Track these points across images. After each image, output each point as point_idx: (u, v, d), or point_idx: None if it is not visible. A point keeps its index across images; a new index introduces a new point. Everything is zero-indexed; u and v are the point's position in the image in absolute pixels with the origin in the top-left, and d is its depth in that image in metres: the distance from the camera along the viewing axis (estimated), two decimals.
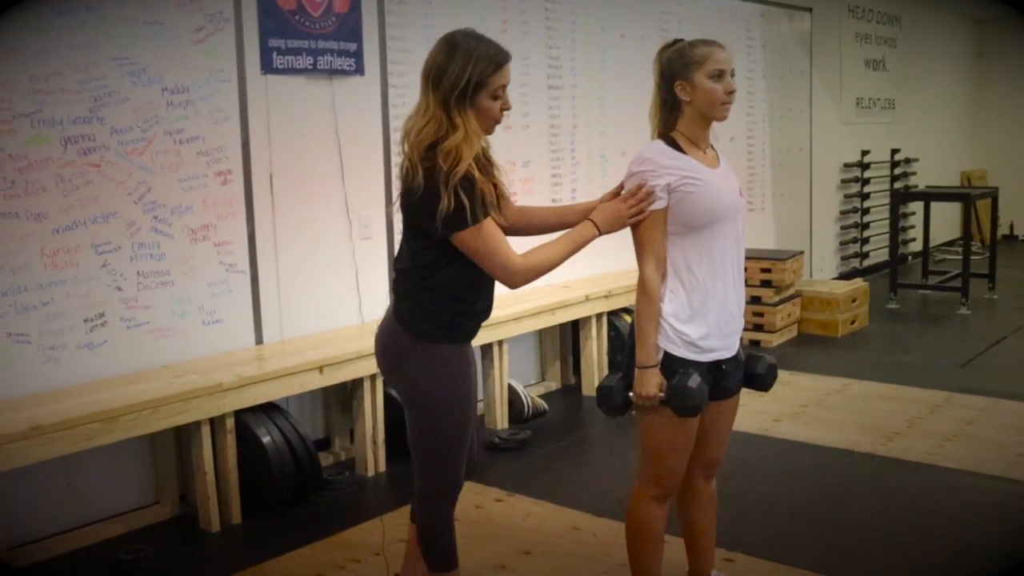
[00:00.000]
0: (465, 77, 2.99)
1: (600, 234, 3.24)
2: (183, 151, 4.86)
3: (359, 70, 5.60)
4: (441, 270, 3.09)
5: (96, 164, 4.54)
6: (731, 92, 3.23)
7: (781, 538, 4.38)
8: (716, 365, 3.32)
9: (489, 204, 3.04)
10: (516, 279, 3.12)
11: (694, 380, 3.17)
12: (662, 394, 3.21)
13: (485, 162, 3.13)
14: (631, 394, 3.29)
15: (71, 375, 4.52)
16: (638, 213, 3.20)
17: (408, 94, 5.88)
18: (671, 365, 3.22)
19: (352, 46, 5.55)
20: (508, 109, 3.11)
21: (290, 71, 5.26)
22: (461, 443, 3.26)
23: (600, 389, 3.43)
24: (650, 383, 3.20)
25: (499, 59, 3.04)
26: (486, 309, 3.28)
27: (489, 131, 3.13)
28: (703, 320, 3.25)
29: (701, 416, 3.31)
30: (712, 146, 3.37)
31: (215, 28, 4.95)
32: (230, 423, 4.64)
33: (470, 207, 2.96)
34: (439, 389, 3.17)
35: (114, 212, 4.61)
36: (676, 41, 3.29)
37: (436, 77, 3.03)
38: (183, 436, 4.73)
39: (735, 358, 3.40)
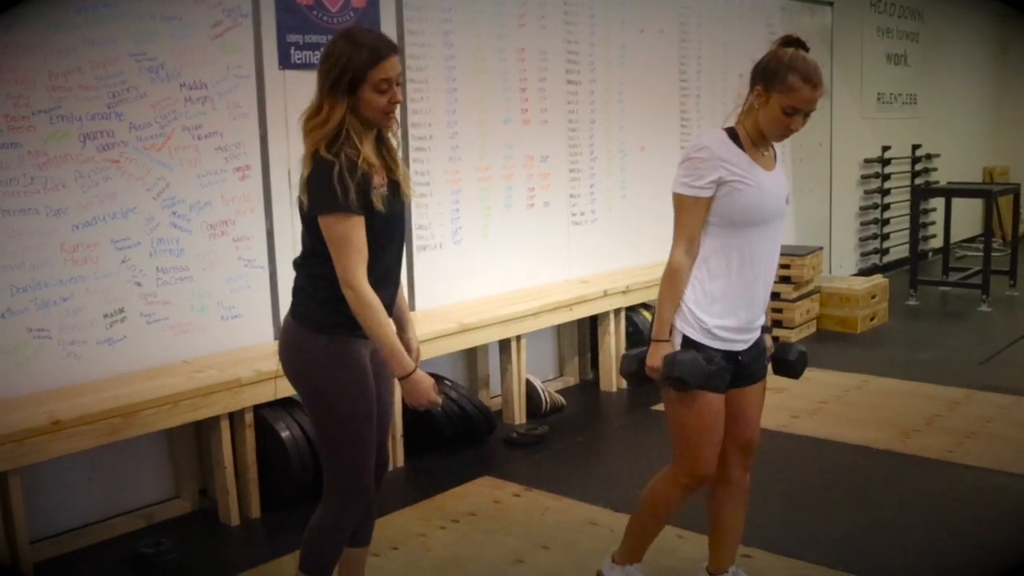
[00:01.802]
0: (340, 71, 2.99)
1: (400, 376, 3.09)
2: (201, 147, 4.88)
3: None
4: (328, 259, 3.05)
5: (115, 160, 4.56)
6: (795, 130, 3.26)
7: (799, 535, 4.37)
8: (732, 355, 3.37)
9: (350, 197, 2.96)
10: (347, 291, 3.00)
11: (684, 354, 3.25)
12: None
13: (378, 157, 3.09)
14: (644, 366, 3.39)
15: (91, 370, 4.54)
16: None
17: (426, 89, 5.90)
18: (686, 347, 3.30)
19: None
20: (396, 103, 3.07)
21: (308, 66, 5.27)
22: (366, 435, 3.18)
23: (622, 357, 3.59)
24: (657, 355, 3.31)
25: (377, 52, 3.02)
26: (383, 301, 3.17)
27: (380, 124, 3.10)
28: (722, 312, 3.31)
29: (730, 401, 3.40)
30: (772, 146, 3.39)
31: (233, 23, 4.96)
32: (249, 418, 4.66)
33: (335, 192, 2.93)
34: (336, 379, 3.13)
35: (133, 208, 4.63)
36: (796, 43, 3.25)
37: (321, 71, 3.04)
38: (202, 431, 4.75)
39: (754, 346, 3.44)
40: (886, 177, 11.20)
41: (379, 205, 3.02)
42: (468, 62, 6.15)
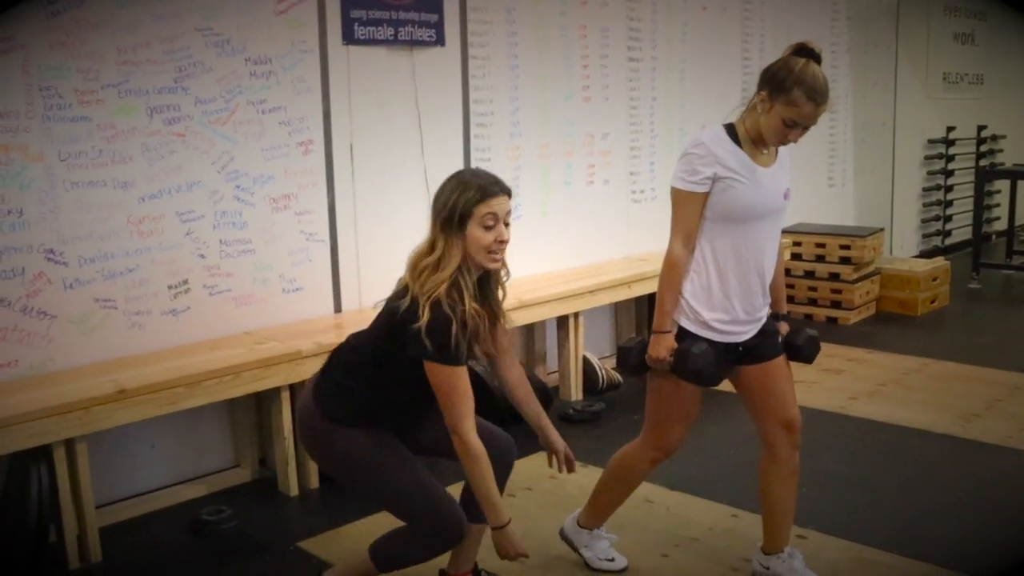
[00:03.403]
0: (450, 206, 3.04)
1: (493, 527, 3.14)
2: (265, 121, 4.93)
3: (440, 41, 5.63)
4: (391, 365, 3.10)
5: (181, 134, 4.62)
6: (793, 141, 3.34)
7: (854, 517, 4.35)
8: (733, 346, 3.47)
9: (461, 351, 3.02)
10: (455, 438, 3.05)
11: (699, 347, 3.36)
12: (671, 358, 3.41)
13: (477, 302, 3.10)
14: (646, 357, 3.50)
15: (155, 340, 4.62)
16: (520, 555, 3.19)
17: (488, 65, 5.91)
18: (684, 337, 3.42)
19: (433, 17, 5.57)
20: (503, 242, 3.10)
21: (371, 42, 5.30)
22: (419, 480, 3.21)
23: (619, 349, 3.71)
24: (661, 347, 3.43)
25: (484, 188, 3.07)
26: (409, 424, 3.27)
27: (485, 265, 3.12)
28: (719, 305, 3.42)
29: (750, 379, 3.54)
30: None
31: None
32: None
33: (439, 344, 2.97)
34: (356, 456, 3.18)
35: (198, 181, 4.70)
36: (809, 53, 3.28)
37: (434, 208, 3.09)
38: (263, 401, 4.82)
39: (761, 332, 3.53)
40: (950, 158, 11.03)
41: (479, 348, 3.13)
42: (530, 38, 6.15)
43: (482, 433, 3.15)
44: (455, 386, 3.02)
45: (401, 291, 3.12)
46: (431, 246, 3.07)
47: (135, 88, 4.45)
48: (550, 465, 3.51)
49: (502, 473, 3.33)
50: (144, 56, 4.46)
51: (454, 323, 2.98)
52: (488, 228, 3.06)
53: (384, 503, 3.30)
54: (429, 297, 2.99)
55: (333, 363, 3.29)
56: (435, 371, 3.01)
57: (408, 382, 3.10)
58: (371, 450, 3.17)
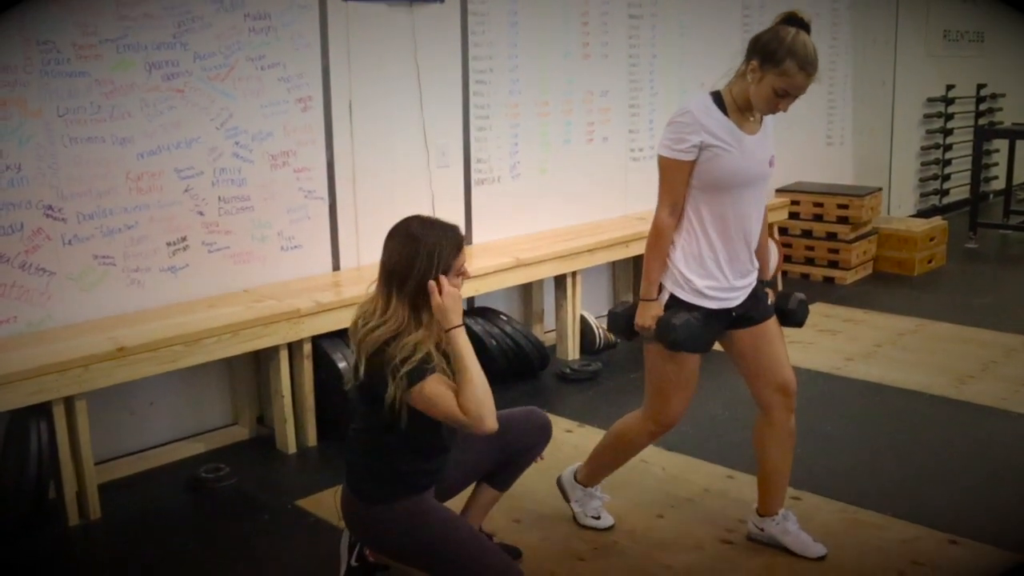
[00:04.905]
0: (432, 273, 3.00)
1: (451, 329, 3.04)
2: (264, 77, 4.90)
3: None
4: (388, 432, 3.06)
5: (180, 90, 4.59)
6: (782, 110, 3.35)
7: (848, 479, 4.38)
8: (725, 312, 3.50)
9: (436, 368, 2.99)
10: (478, 427, 2.99)
11: (679, 318, 3.40)
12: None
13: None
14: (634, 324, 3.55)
15: (154, 297, 4.62)
16: None
17: (487, 21, 5.87)
18: (675, 306, 3.45)
19: None
20: (468, 277, 3.14)
21: None
22: (479, 543, 3.20)
23: (609, 314, 3.75)
24: (646, 315, 3.49)
25: (458, 242, 3.08)
26: (438, 469, 3.25)
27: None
28: (710, 272, 3.45)
29: (742, 342, 3.58)
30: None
31: None
32: (307, 348, 4.73)
33: (409, 379, 2.94)
34: (424, 534, 3.15)
35: (197, 138, 4.67)
36: (798, 23, 3.29)
37: (401, 279, 3.01)
38: (261, 360, 4.83)
39: (751, 296, 3.56)
40: (949, 117, 11.00)
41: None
42: None
43: (516, 414, 3.34)
44: (439, 395, 2.97)
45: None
46: (397, 323, 2.99)
47: (133, 43, 4.41)
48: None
49: (542, 441, 3.52)
50: (142, 11, 4.42)
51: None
52: (459, 275, 3.09)
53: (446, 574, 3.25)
54: (407, 359, 2.95)
55: (351, 455, 3.26)
56: (416, 396, 2.97)
57: (420, 425, 3.06)
58: (424, 524, 3.15)
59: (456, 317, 3.02)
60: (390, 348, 2.96)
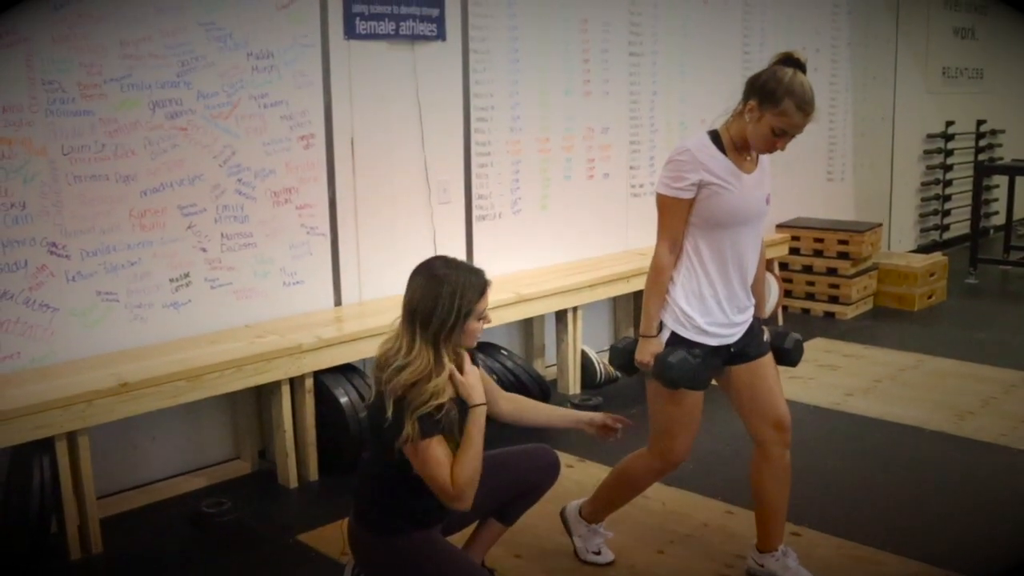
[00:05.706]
0: (454, 314, 3.03)
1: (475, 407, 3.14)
2: (267, 115, 4.95)
3: (440, 36, 5.65)
4: (401, 469, 3.08)
5: (183, 128, 4.64)
6: (780, 149, 3.38)
7: (848, 514, 4.39)
8: (724, 348, 3.54)
9: (444, 426, 3.03)
10: (455, 503, 3.04)
11: (676, 356, 3.42)
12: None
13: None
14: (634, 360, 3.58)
15: (157, 333, 4.65)
16: None
17: (489, 60, 5.93)
18: (677, 343, 3.47)
19: (434, 11, 5.59)
20: (489, 323, 3.21)
21: (373, 36, 5.32)
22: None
23: (611, 349, 3.82)
24: (646, 351, 3.51)
25: (482, 285, 3.11)
26: (448, 508, 3.23)
27: (470, 346, 3.19)
28: (710, 308, 3.48)
29: (738, 379, 3.61)
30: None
31: None
32: (309, 383, 4.75)
33: (421, 430, 2.97)
34: (430, 567, 3.18)
35: (200, 175, 4.72)
36: (795, 64, 3.32)
37: (424, 318, 3.03)
38: (263, 394, 4.85)
39: (747, 332, 3.59)
40: (949, 153, 11.04)
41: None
42: (531, 33, 6.16)
43: (525, 452, 3.42)
44: (433, 462, 3.01)
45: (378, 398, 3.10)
46: (424, 363, 3.01)
47: (138, 82, 4.47)
48: (604, 435, 3.56)
49: (551, 478, 3.54)
50: (147, 50, 4.48)
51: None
52: (481, 318, 3.13)
53: None
54: (423, 404, 2.98)
55: (361, 484, 3.29)
56: (412, 452, 3.00)
57: None
58: (429, 559, 3.18)
59: (479, 396, 3.11)
60: (411, 394, 2.98)
